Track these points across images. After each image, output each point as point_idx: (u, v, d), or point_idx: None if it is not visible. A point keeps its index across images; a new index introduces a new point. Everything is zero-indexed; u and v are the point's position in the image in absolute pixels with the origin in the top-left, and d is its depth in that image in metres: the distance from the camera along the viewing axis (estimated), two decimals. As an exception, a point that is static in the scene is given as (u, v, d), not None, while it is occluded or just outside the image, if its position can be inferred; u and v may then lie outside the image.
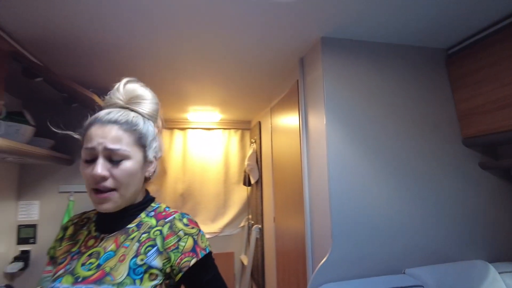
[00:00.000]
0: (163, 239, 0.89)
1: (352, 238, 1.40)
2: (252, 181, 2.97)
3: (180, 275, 0.88)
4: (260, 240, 2.78)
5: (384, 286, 1.24)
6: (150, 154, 0.94)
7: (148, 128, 0.96)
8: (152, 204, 0.99)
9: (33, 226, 2.14)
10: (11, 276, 2.01)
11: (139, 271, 0.85)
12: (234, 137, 3.41)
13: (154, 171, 1.00)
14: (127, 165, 0.86)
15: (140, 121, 0.94)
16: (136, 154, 0.90)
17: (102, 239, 0.92)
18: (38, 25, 1.35)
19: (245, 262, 2.93)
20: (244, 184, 3.16)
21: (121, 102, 0.96)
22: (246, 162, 3.02)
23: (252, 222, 3.06)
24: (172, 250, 0.88)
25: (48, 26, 1.36)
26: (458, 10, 1.32)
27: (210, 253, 0.93)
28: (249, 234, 3.09)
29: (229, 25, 1.39)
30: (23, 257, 2.07)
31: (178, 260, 0.87)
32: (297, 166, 1.79)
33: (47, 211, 2.16)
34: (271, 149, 2.49)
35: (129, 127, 0.90)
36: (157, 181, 3.21)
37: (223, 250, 3.29)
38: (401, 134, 1.56)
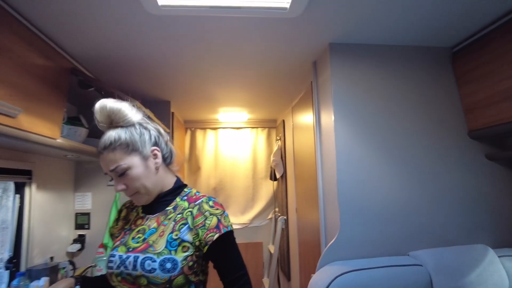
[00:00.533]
0: (193, 218, 1.12)
1: (358, 222, 1.56)
2: (278, 176, 3.18)
3: (206, 247, 1.10)
4: (286, 230, 2.98)
5: (385, 264, 1.39)
6: (146, 150, 1.11)
7: (132, 133, 1.09)
8: (185, 190, 1.21)
9: (87, 214, 2.50)
10: (72, 255, 2.37)
11: (174, 244, 1.08)
12: (261, 135, 3.63)
13: (169, 157, 1.20)
14: (131, 173, 1.07)
15: (122, 134, 1.08)
16: (133, 160, 1.08)
17: (147, 219, 1.17)
18: (92, 46, 1.65)
19: (272, 251, 3.14)
20: (271, 178, 3.37)
21: (106, 127, 1.10)
22: (271, 158, 3.23)
23: (279, 214, 3.26)
24: (200, 227, 1.10)
25: (100, 46, 1.65)
26: (461, 9, 1.40)
27: (231, 231, 1.14)
28: (275, 225, 3.30)
29: (251, 38, 1.61)
30: (80, 240, 2.43)
31: (204, 235, 1.09)
32: (312, 160, 1.97)
33: (98, 201, 2.51)
34: (293, 145, 2.68)
35: (115, 145, 1.06)
36: (192, 176, 3.52)
37: (253, 240, 3.53)
38: (407, 129, 1.69)
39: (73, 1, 1.25)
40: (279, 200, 3.33)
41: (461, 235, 1.63)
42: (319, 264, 1.52)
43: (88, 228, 2.48)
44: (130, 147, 1.08)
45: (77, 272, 2.23)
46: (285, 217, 2.97)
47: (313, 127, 1.91)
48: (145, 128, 1.15)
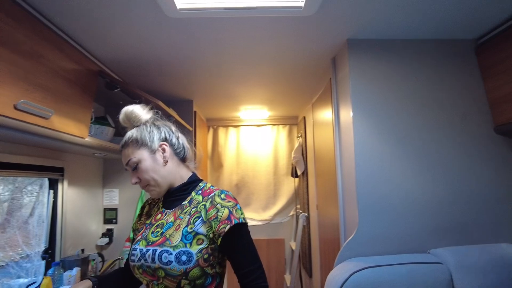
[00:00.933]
0: (206, 211, 1.16)
1: (377, 219, 1.56)
2: (299, 173, 3.19)
3: (220, 239, 1.14)
4: (307, 227, 2.99)
5: (403, 261, 1.39)
6: (154, 145, 1.21)
7: (142, 130, 1.24)
8: (200, 184, 1.27)
9: (115, 210, 2.61)
10: (101, 247, 2.50)
11: (189, 237, 1.13)
12: (282, 132, 3.65)
13: (179, 153, 1.27)
14: (141, 166, 1.17)
15: (134, 132, 1.23)
16: (142, 154, 1.19)
17: (165, 214, 1.23)
18: (117, 49, 1.73)
19: (294, 247, 3.16)
20: (292, 175, 3.39)
21: (129, 126, 1.28)
22: (292, 155, 3.24)
23: (300, 211, 3.28)
24: (213, 220, 1.14)
25: (124, 49, 1.73)
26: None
27: (244, 224, 1.18)
28: (297, 222, 3.32)
29: (269, 37, 1.64)
30: (108, 234, 2.55)
31: (217, 227, 1.13)
32: (332, 157, 1.98)
33: (124, 197, 2.62)
34: (313, 142, 2.68)
35: (128, 142, 1.21)
36: (215, 173, 3.59)
37: (274, 236, 3.57)
38: (429, 124, 1.66)
39: (99, 9, 1.33)
40: (300, 197, 3.34)
41: (485, 233, 1.59)
42: (337, 260, 1.53)
43: (116, 223, 2.59)
44: (139, 142, 1.19)
45: (105, 265, 2.35)
46: (306, 214, 2.98)
47: (332, 124, 1.91)
48: (156, 126, 1.25)
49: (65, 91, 1.49)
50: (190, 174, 1.29)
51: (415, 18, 1.51)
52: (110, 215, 2.61)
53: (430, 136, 1.65)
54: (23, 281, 1.87)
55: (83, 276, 2.06)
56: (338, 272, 1.39)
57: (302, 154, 3.11)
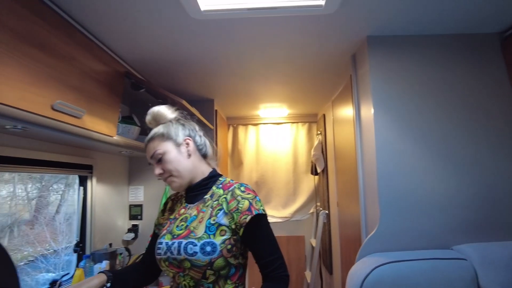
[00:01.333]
0: (227, 203, 1.21)
1: (399, 215, 1.56)
2: (319, 170, 3.20)
3: (242, 229, 1.18)
4: (327, 224, 3.00)
5: (425, 256, 1.39)
6: (179, 139, 1.28)
7: (168, 126, 1.30)
8: (220, 179, 1.32)
9: (140, 206, 2.71)
10: (127, 242, 2.59)
11: (212, 229, 1.18)
12: (301, 130, 3.66)
13: (202, 149, 1.34)
14: (165, 158, 1.24)
15: (160, 127, 1.30)
16: (167, 146, 1.26)
17: (188, 208, 1.29)
18: (142, 50, 1.79)
19: (314, 244, 3.17)
20: (312, 173, 3.40)
21: (155, 126, 1.34)
22: (312, 153, 3.25)
23: (321, 208, 3.28)
24: (234, 211, 1.19)
25: (149, 51, 1.80)
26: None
27: (264, 215, 1.22)
28: (317, 219, 3.33)
29: (289, 36, 1.67)
30: (134, 229, 2.64)
31: (238, 219, 1.18)
32: (353, 154, 1.98)
33: (149, 194, 2.71)
34: (333, 140, 2.69)
35: (153, 136, 1.28)
36: (235, 171, 3.64)
37: (294, 234, 3.59)
38: (452, 121, 1.64)
39: (125, 12, 1.39)
40: (320, 195, 3.35)
41: (509, 229, 1.56)
42: (358, 255, 1.54)
43: (141, 219, 2.69)
44: (165, 136, 1.26)
45: (132, 259, 2.44)
46: (326, 211, 2.99)
47: (353, 121, 1.92)
48: (181, 124, 1.33)
49: (95, 91, 1.57)
50: (210, 169, 1.35)
51: (436, 13, 1.49)
52: (135, 211, 2.70)
53: (453, 132, 1.64)
54: (51, 275, 1.97)
55: (112, 269, 2.15)
56: (360, 267, 1.40)
57: (322, 152, 3.12)
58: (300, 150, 3.64)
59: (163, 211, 1.40)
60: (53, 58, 1.27)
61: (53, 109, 1.27)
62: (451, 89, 1.66)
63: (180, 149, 1.27)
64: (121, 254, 2.30)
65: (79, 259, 2.10)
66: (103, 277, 1.20)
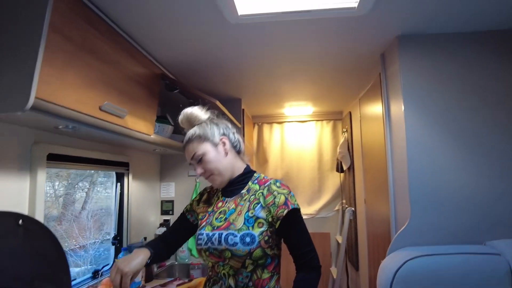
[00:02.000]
0: (264, 198, 1.28)
1: (430, 210, 1.57)
2: (344, 168, 3.22)
3: (278, 222, 1.25)
4: (353, 221, 3.02)
5: (458, 251, 1.40)
6: (216, 139, 1.34)
7: (203, 127, 1.36)
8: (255, 175, 1.40)
9: (171, 202, 2.81)
10: (160, 236, 2.71)
11: (251, 221, 1.25)
12: (326, 127, 3.68)
13: (236, 146, 1.41)
14: (205, 158, 1.32)
15: (196, 129, 1.36)
16: (206, 147, 1.32)
17: (226, 202, 1.37)
18: (176, 53, 1.88)
19: (340, 241, 3.20)
20: (337, 170, 3.42)
21: (188, 127, 1.41)
22: (338, 150, 3.27)
23: (346, 206, 3.30)
24: (271, 205, 1.26)
25: (183, 53, 1.88)
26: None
27: (298, 209, 1.29)
28: (343, 216, 3.35)
29: (319, 37, 1.71)
30: (165, 224, 2.75)
31: (275, 212, 1.25)
32: (382, 151, 2.00)
33: (180, 190, 2.81)
34: (360, 137, 2.71)
35: (191, 138, 1.34)
36: (260, 169, 3.70)
37: (320, 230, 3.62)
38: (486, 118, 1.63)
39: (164, 15, 1.47)
40: (346, 192, 3.36)
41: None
42: (389, 250, 1.57)
43: (172, 214, 2.79)
44: (202, 137, 1.33)
45: (165, 252, 2.54)
46: (353, 208, 3.01)
47: (383, 118, 1.94)
48: (215, 123, 1.39)
49: (136, 92, 1.67)
50: (245, 166, 1.42)
51: (471, 9, 1.48)
52: (167, 207, 2.81)
53: (485, 129, 1.63)
54: (80, 269, 2.09)
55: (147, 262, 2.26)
56: (391, 261, 1.43)
57: (348, 149, 3.13)
58: (325, 148, 3.66)
59: (198, 201, 1.49)
60: (102, 63, 1.36)
61: (101, 109, 1.37)
62: (484, 87, 1.66)
63: (218, 148, 1.33)
64: (155, 247, 2.40)
65: (117, 251, 2.23)
66: (148, 253, 1.26)
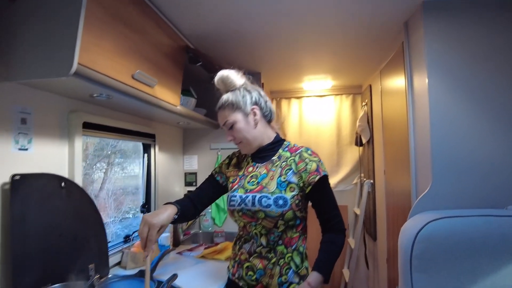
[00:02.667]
0: (296, 164, 1.35)
1: (452, 176, 1.59)
2: (364, 141, 3.23)
3: (309, 188, 1.32)
4: (372, 193, 3.06)
5: (480, 214, 1.43)
6: (247, 109, 1.38)
7: (237, 95, 1.39)
8: (285, 143, 1.46)
9: (194, 174, 2.91)
10: (185, 206, 2.83)
11: (283, 185, 1.32)
12: (345, 102, 3.67)
13: (267, 116, 1.44)
14: (237, 127, 1.38)
15: (229, 96, 1.39)
16: (237, 116, 1.37)
17: (257, 167, 1.44)
18: (199, 25, 1.90)
19: (358, 213, 3.26)
20: (356, 144, 3.43)
21: (224, 91, 1.45)
22: (357, 124, 3.28)
23: (364, 179, 3.34)
24: (303, 171, 1.33)
25: (206, 25, 1.91)
26: None
27: (327, 176, 1.36)
28: (361, 189, 3.39)
29: (344, 4, 1.70)
30: (189, 195, 2.86)
31: (307, 178, 1.32)
32: (404, 123, 2.01)
33: (202, 162, 2.90)
34: (381, 110, 2.71)
35: (225, 105, 1.39)
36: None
37: (338, 203, 3.66)
38: (510, 83, 1.62)
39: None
40: (364, 165, 3.39)
41: None
42: (410, 214, 1.62)
43: (195, 185, 2.90)
44: (234, 106, 1.38)
45: (190, 222, 2.66)
46: (371, 181, 3.04)
47: (405, 88, 1.94)
48: (248, 91, 1.43)
49: (163, 63, 1.72)
50: (275, 134, 1.48)
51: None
52: (190, 179, 2.91)
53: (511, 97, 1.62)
54: None
55: (175, 230, 2.38)
56: (413, 223, 1.48)
57: (368, 122, 3.14)
58: (343, 122, 3.66)
59: (227, 165, 1.56)
60: (132, 31, 1.42)
61: (133, 78, 1.43)
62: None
63: (248, 119, 1.38)
64: (181, 215, 2.52)
65: (146, 219, 2.34)
66: (175, 209, 1.30)
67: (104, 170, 2.51)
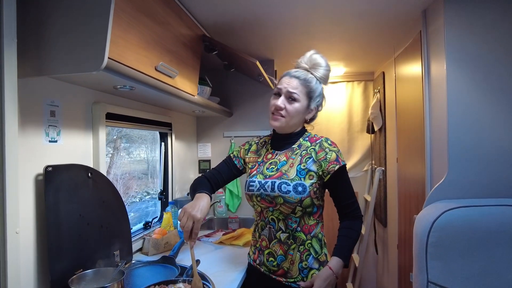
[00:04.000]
0: (316, 153, 1.38)
1: (468, 165, 1.61)
2: (376, 128, 3.24)
3: (328, 176, 1.36)
4: (383, 180, 3.09)
5: (496, 203, 1.46)
6: (313, 105, 1.42)
7: (317, 87, 1.41)
8: (306, 133, 1.49)
9: (208, 161, 2.96)
10: (200, 192, 2.89)
11: (303, 173, 1.36)
12: (357, 88, 3.66)
13: (313, 118, 1.49)
14: (296, 105, 1.37)
15: (313, 81, 1.40)
16: (304, 101, 1.39)
17: (276, 154, 1.48)
18: (219, 13, 1.88)
19: (369, 199, 3.30)
20: (368, 131, 3.44)
21: (305, 66, 1.44)
22: (370, 111, 3.28)
23: (375, 166, 3.36)
24: (322, 160, 1.36)
25: (225, 13, 1.89)
26: None
27: (345, 165, 1.39)
28: (372, 176, 3.42)
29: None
30: (204, 182, 2.92)
31: (326, 167, 1.35)
32: (419, 111, 2.02)
33: (216, 150, 2.94)
34: (395, 97, 2.70)
35: (305, 82, 1.38)
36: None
37: (348, 190, 3.72)
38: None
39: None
40: (376, 152, 3.41)
41: None
42: (426, 203, 1.65)
43: (210, 172, 2.95)
44: (309, 93, 1.40)
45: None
46: (383, 168, 3.07)
47: (422, 77, 1.94)
48: (322, 95, 1.48)
49: (183, 54, 1.74)
50: (302, 126, 1.51)
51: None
52: (204, 166, 2.96)
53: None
54: None
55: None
56: (429, 212, 1.51)
57: (380, 110, 3.14)
58: (355, 109, 3.66)
59: (247, 150, 1.59)
60: (156, 24, 1.43)
61: (156, 69, 1.45)
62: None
63: (306, 110, 1.42)
64: (197, 202, 2.58)
65: (163, 205, 2.41)
66: (209, 197, 1.38)
67: (110, 155, 2.55)
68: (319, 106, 1.48)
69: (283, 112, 1.38)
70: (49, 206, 1.23)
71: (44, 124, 1.28)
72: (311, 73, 1.42)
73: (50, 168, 1.24)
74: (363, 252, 3.24)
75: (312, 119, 1.51)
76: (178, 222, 1.35)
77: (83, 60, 1.10)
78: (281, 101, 1.38)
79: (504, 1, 1.63)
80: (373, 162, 3.51)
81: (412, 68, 2.19)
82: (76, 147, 1.48)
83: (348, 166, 3.62)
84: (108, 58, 1.09)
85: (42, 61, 1.13)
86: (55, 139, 1.34)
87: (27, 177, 1.20)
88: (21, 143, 1.15)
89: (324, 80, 1.46)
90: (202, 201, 1.33)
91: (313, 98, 1.42)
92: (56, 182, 1.27)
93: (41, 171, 1.23)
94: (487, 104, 1.64)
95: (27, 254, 1.20)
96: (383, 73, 3.11)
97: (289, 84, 1.38)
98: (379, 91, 3.19)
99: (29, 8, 1.13)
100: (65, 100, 1.40)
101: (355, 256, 3.44)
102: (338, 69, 3.37)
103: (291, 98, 1.37)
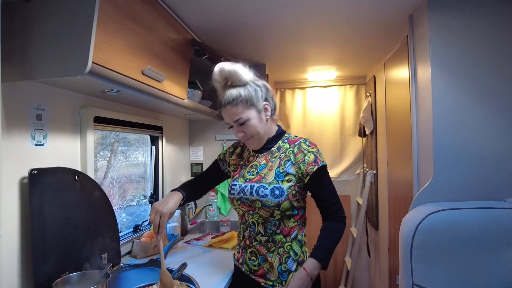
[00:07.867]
0: (295, 155, 1.39)
1: (453, 168, 1.63)
2: (367, 132, 3.26)
3: (307, 178, 1.37)
4: (375, 183, 3.11)
5: (479, 206, 1.48)
6: (260, 105, 1.38)
7: (249, 90, 1.35)
8: (285, 135, 1.50)
9: (200, 164, 2.97)
10: (191, 196, 2.89)
11: (281, 176, 1.37)
12: (349, 92, 3.68)
13: (273, 111, 1.46)
14: (249, 123, 1.37)
15: (241, 91, 1.34)
16: (251, 113, 1.36)
17: (257, 157, 1.49)
18: (206, 18, 1.91)
19: (361, 202, 3.31)
20: (359, 135, 3.46)
21: (222, 83, 1.38)
22: (361, 115, 3.30)
23: (367, 169, 3.38)
24: (301, 162, 1.37)
25: (214, 18, 1.91)
26: None
27: (325, 165, 1.40)
28: (364, 179, 3.44)
29: (344, -3, 1.72)
30: (196, 185, 2.92)
31: (305, 168, 1.36)
32: (407, 114, 2.04)
33: (208, 153, 2.95)
34: (384, 100, 2.73)
35: (237, 101, 1.34)
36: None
37: (341, 193, 3.71)
38: (512, 78, 1.64)
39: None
40: (368, 156, 3.43)
41: None
42: (412, 205, 1.66)
43: (202, 176, 2.96)
44: (249, 102, 1.36)
45: (197, 210, 2.73)
46: (374, 171, 3.09)
47: (409, 81, 1.96)
48: (257, 86, 1.42)
49: (171, 58, 1.75)
50: (277, 127, 1.52)
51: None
52: (196, 169, 2.97)
53: (513, 90, 1.64)
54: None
55: (183, 219, 2.44)
56: (414, 214, 1.53)
57: (371, 113, 3.16)
58: (347, 113, 3.68)
59: (231, 153, 1.61)
60: (142, 28, 1.45)
61: (143, 74, 1.46)
62: (514, 46, 1.65)
63: (261, 115, 1.39)
64: (188, 205, 2.59)
65: (154, 209, 2.40)
66: (180, 195, 1.44)
67: (107, 159, 2.55)
68: (267, 99, 1.42)
69: (247, 136, 1.39)
70: (34, 209, 1.23)
71: (30, 128, 1.29)
72: (233, 86, 1.36)
73: (35, 171, 1.25)
74: (356, 255, 3.25)
75: (273, 113, 1.46)
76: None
77: (68, 65, 1.11)
78: (237, 131, 1.39)
79: (488, 7, 1.66)
80: (365, 165, 3.53)
81: (400, 72, 2.21)
82: (64, 151, 1.48)
83: (340, 170, 3.64)
84: (92, 62, 1.11)
85: (27, 65, 1.14)
86: (42, 143, 1.35)
87: (11, 180, 1.21)
88: (5, 146, 1.16)
89: (244, 78, 1.36)
90: (171, 198, 1.39)
91: (256, 101, 1.36)
92: (41, 185, 1.28)
93: (26, 174, 1.23)
94: (472, 108, 1.66)
95: (11, 257, 1.20)
96: (374, 77, 3.14)
97: (229, 115, 1.36)
98: (370, 95, 3.22)
99: (13, 13, 1.14)
100: (53, 104, 1.41)
101: (347, 259, 3.45)
102: (330, 73, 3.40)
103: (241, 123, 1.36)
